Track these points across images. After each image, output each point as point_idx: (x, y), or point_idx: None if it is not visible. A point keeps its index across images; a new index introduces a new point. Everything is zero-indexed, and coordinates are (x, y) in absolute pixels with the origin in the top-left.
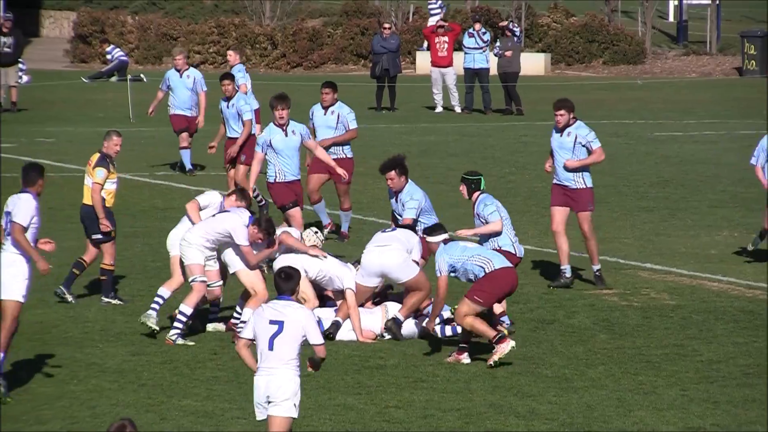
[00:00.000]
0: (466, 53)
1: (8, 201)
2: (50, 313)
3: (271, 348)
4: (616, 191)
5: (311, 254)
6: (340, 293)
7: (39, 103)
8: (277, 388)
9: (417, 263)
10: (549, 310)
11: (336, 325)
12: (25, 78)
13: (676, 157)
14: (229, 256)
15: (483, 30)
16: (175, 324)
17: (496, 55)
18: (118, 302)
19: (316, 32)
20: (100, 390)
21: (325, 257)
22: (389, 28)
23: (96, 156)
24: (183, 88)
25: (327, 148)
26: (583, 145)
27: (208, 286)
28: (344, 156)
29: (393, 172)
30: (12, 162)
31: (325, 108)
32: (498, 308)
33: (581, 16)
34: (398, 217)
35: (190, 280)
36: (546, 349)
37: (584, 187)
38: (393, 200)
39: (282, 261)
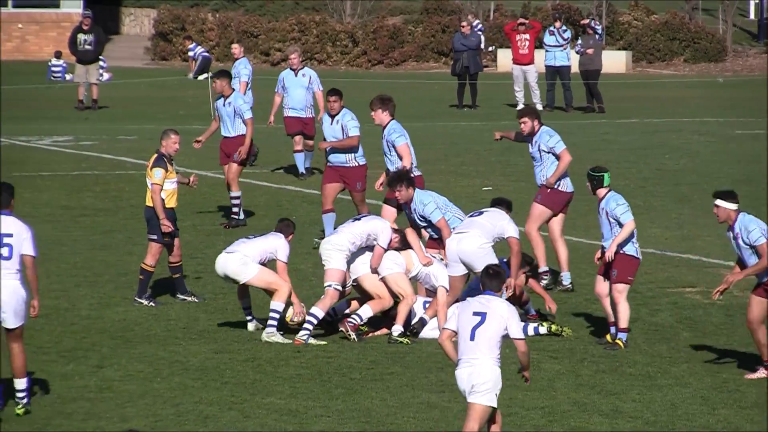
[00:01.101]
0: (546, 51)
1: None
2: (133, 311)
3: (472, 338)
4: (699, 189)
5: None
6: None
7: (120, 100)
8: (479, 376)
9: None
10: (632, 308)
11: (422, 322)
12: (105, 75)
13: (758, 155)
14: (352, 263)
15: (563, 28)
16: (306, 325)
17: (577, 52)
18: (151, 304)
19: (396, 30)
20: (183, 388)
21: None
22: (467, 26)
23: (153, 156)
24: (298, 87)
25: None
26: (548, 152)
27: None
28: (356, 164)
29: (402, 185)
30: (94, 160)
31: (332, 116)
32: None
33: (662, 14)
34: (420, 226)
35: (326, 284)
36: (629, 347)
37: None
38: (406, 211)
39: (387, 257)
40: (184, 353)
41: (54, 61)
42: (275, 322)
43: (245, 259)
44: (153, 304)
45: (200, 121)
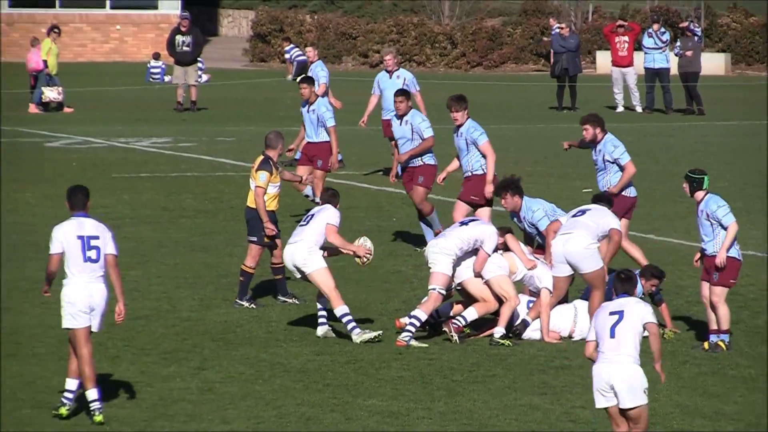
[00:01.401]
0: (645, 53)
1: (86, 225)
2: (234, 313)
3: (612, 336)
4: None
5: (528, 258)
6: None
7: (218, 102)
8: (624, 379)
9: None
10: (734, 311)
11: (524, 324)
12: (204, 77)
13: None
14: (457, 267)
15: (662, 30)
16: (408, 327)
17: (676, 54)
18: (252, 306)
19: (495, 31)
20: (285, 390)
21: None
22: (566, 29)
23: (259, 158)
24: (393, 89)
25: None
26: (612, 162)
27: None
28: (423, 163)
29: (507, 194)
30: (193, 161)
31: (400, 117)
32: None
33: (761, 15)
34: (529, 233)
35: (430, 287)
36: (731, 349)
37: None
38: (515, 220)
39: (491, 260)
40: (285, 355)
41: (152, 63)
42: (353, 323)
43: (312, 248)
44: (254, 306)
45: (299, 123)
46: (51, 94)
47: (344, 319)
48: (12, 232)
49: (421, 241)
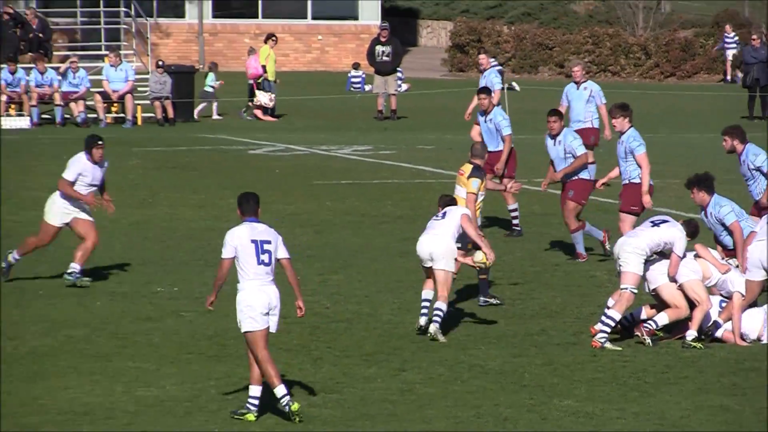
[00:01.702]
0: None
1: (258, 230)
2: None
3: None
4: None
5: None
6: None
7: (417, 110)
8: None
9: None
10: None
11: (715, 326)
12: (403, 86)
13: None
14: (649, 272)
15: None
16: (602, 327)
17: None
18: (497, 302)
19: (688, 42)
20: (482, 391)
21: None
22: (757, 39)
23: (470, 167)
24: (580, 100)
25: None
26: (755, 170)
27: None
28: (577, 178)
29: (696, 188)
30: (394, 169)
31: (553, 137)
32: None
33: None
34: (715, 229)
35: (622, 287)
36: None
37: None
38: (702, 215)
39: (684, 264)
40: (483, 357)
41: (353, 72)
42: (439, 319)
43: (449, 243)
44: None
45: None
46: (263, 98)
47: (439, 312)
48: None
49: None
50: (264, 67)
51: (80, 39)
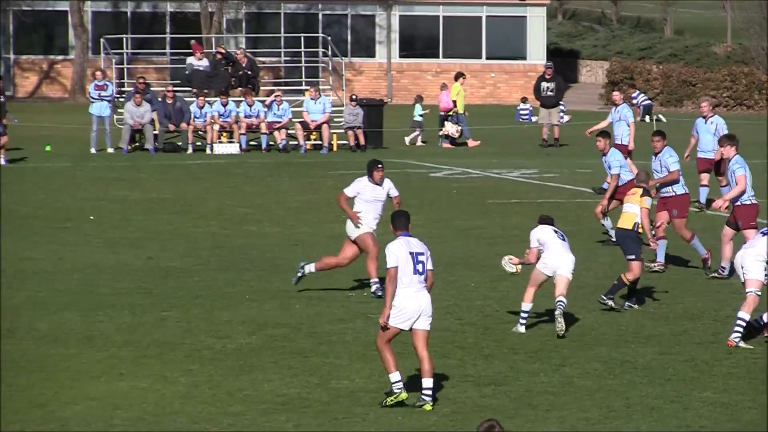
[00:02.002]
0: None
1: (412, 243)
2: (589, 318)
3: None
4: None
5: None
6: None
7: (577, 139)
8: None
9: None
10: None
11: None
12: (565, 118)
13: None
14: None
15: None
16: (736, 329)
17: None
18: (612, 305)
19: None
20: (632, 384)
21: None
22: None
23: (638, 189)
24: (706, 133)
25: (657, 189)
26: None
27: None
28: (674, 194)
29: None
30: (556, 190)
31: (656, 154)
32: None
33: None
34: None
35: (747, 291)
36: None
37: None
38: None
39: None
40: (633, 354)
41: (521, 105)
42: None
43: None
44: (612, 305)
45: (641, 157)
46: (451, 129)
47: (562, 302)
48: None
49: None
50: (454, 102)
51: (284, 76)
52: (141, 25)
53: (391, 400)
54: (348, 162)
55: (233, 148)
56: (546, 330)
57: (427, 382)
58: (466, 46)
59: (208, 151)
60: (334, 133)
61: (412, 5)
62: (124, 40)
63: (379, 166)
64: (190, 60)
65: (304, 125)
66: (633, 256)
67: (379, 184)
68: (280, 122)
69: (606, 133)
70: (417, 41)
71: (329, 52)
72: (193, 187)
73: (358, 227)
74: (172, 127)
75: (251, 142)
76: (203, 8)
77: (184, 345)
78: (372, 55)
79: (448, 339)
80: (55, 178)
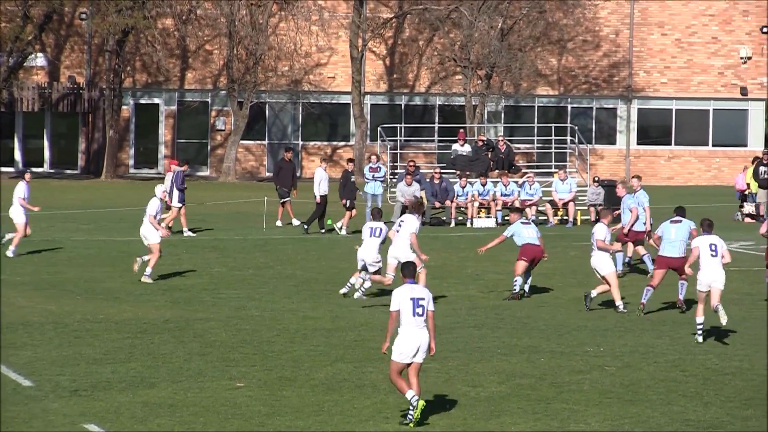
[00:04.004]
0: None
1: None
2: None
3: None
4: None
5: None
6: None
7: None
8: None
9: None
10: None
11: None
12: None
13: None
14: None
15: None
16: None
17: None
18: None
19: None
20: None
21: None
22: None
23: None
24: None
25: None
26: None
27: None
28: None
29: None
30: None
31: None
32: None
33: None
34: None
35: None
36: None
37: None
38: None
39: None
40: None
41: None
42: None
43: None
44: None
45: None
46: (749, 208)
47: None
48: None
49: None
50: (748, 184)
51: (536, 160)
52: (413, 116)
53: (417, 413)
54: (588, 235)
55: (490, 222)
56: (760, 380)
57: (411, 393)
58: (694, 135)
59: (468, 224)
60: (579, 210)
61: (648, 99)
62: (398, 128)
63: None
64: (455, 146)
65: (553, 203)
66: None
67: None
68: (531, 200)
69: None
70: (652, 130)
71: (576, 140)
72: (453, 255)
73: None
74: (437, 204)
75: (506, 217)
76: (468, 101)
77: (442, 392)
78: (613, 142)
79: (672, 388)
80: (335, 247)
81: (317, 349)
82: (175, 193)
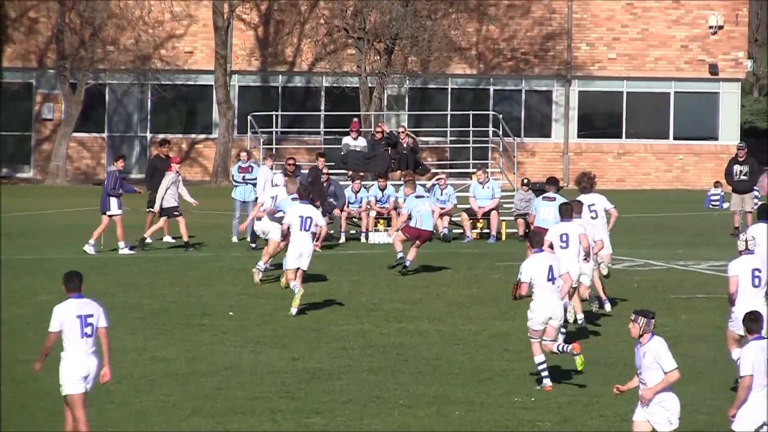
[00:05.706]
0: None
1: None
2: None
3: None
4: None
5: None
6: None
7: None
8: None
9: None
10: None
11: None
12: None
13: None
14: None
15: None
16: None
17: None
18: None
19: None
20: None
21: None
22: None
23: None
24: None
25: None
26: None
27: None
28: None
29: None
30: None
31: None
32: None
33: None
34: None
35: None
36: None
37: None
38: None
39: None
40: None
41: (713, 190)
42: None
43: None
44: None
45: None
46: None
47: None
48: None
49: None
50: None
51: (449, 157)
52: (293, 101)
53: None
54: (517, 252)
55: (390, 238)
56: None
57: None
58: (651, 126)
59: (362, 239)
60: (503, 220)
61: (592, 80)
62: (274, 117)
63: None
64: (346, 140)
65: (470, 212)
66: None
67: None
68: (444, 208)
69: None
70: (597, 119)
71: (500, 131)
72: (344, 279)
73: None
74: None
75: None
76: (362, 83)
77: None
78: (547, 134)
79: None
80: (192, 269)
81: (168, 399)
82: (112, 200)
